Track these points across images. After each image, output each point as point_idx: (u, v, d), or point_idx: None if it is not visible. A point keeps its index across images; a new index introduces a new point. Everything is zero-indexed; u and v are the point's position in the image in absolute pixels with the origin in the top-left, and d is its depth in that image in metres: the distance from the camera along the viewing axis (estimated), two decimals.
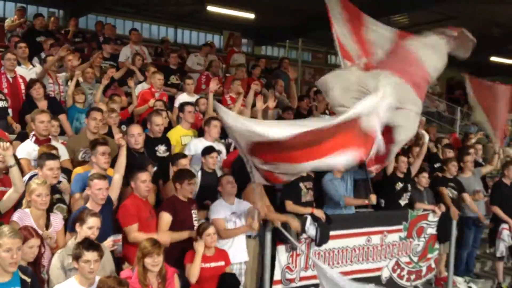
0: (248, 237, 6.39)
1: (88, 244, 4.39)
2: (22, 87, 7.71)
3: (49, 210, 5.02)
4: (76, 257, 4.34)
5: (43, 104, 7.25)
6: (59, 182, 5.55)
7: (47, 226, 4.93)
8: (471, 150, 9.30)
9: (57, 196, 5.37)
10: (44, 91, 7.44)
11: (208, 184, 6.58)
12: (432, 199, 8.33)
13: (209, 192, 6.52)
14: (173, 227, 5.76)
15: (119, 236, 5.30)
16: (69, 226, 5.09)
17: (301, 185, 6.89)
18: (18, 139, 6.47)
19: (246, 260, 6.22)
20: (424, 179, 8.22)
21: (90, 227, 4.76)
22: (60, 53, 8.05)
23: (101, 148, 5.71)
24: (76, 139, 6.64)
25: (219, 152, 6.85)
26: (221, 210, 6.08)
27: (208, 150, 6.63)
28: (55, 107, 7.36)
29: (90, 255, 4.31)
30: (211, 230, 5.61)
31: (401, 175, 7.98)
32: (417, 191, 8.19)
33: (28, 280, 4.14)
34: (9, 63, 7.71)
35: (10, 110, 7.43)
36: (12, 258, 3.97)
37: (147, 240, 4.86)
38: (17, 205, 5.02)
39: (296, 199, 6.83)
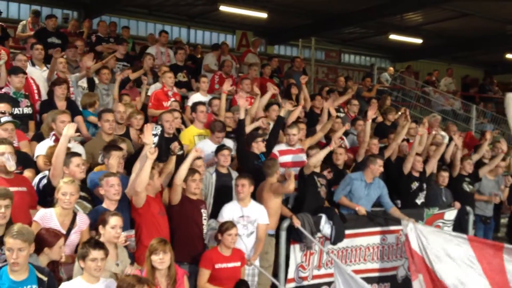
0: (267, 235, 6.40)
1: (94, 242, 4.45)
2: (34, 88, 7.72)
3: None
4: (83, 256, 4.38)
5: (62, 104, 7.29)
6: None
7: (72, 225, 4.94)
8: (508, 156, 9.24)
9: (82, 194, 5.36)
10: (67, 93, 7.47)
11: (222, 185, 6.56)
12: (451, 197, 8.30)
13: (224, 194, 6.50)
14: (182, 226, 5.77)
15: (132, 232, 5.32)
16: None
17: (316, 179, 6.88)
18: (35, 140, 6.50)
19: (257, 263, 6.18)
20: (445, 178, 8.24)
21: (113, 226, 4.80)
22: (54, 55, 8.08)
23: (114, 153, 5.72)
24: (93, 143, 6.63)
25: (230, 149, 6.80)
26: (227, 213, 6.03)
27: (218, 149, 6.66)
28: (73, 108, 7.39)
29: (96, 253, 4.35)
30: (233, 231, 5.60)
31: (416, 174, 7.94)
32: (435, 189, 8.15)
33: (45, 279, 4.19)
34: (20, 64, 7.72)
35: None
36: (12, 258, 4.03)
37: (154, 238, 4.88)
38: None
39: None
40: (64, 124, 6.13)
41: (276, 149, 7.41)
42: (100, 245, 4.43)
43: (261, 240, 6.22)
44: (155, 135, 6.10)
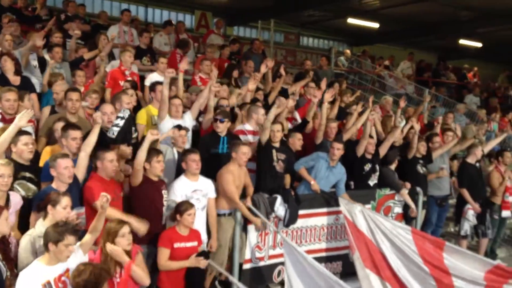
0: (223, 215, 6.48)
1: (72, 228, 4.37)
2: None
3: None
4: (56, 240, 4.26)
5: (14, 79, 7.19)
6: None
7: (7, 205, 4.79)
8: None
9: (27, 174, 5.26)
10: (16, 66, 7.31)
11: (179, 164, 6.48)
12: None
13: (180, 173, 6.45)
14: (143, 207, 5.73)
15: (82, 209, 5.24)
16: (34, 206, 5.04)
17: (274, 153, 6.97)
18: None
19: (206, 240, 6.22)
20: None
21: (64, 206, 4.74)
22: (37, 42, 7.94)
23: (72, 133, 5.58)
24: (52, 119, 6.41)
25: (187, 129, 6.81)
26: (180, 190, 6.01)
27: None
28: (27, 85, 7.28)
29: (72, 240, 4.30)
30: (192, 210, 5.62)
31: (369, 156, 8.13)
32: (385, 171, 8.36)
33: None
34: None
35: None
36: None
37: (111, 221, 4.83)
38: None
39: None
40: (9, 102, 6.06)
41: (246, 128, 7.50)
42: (77, 232, 4.40)
43: (214, 216, 6.32)
44: (121, 117, 6.00)
